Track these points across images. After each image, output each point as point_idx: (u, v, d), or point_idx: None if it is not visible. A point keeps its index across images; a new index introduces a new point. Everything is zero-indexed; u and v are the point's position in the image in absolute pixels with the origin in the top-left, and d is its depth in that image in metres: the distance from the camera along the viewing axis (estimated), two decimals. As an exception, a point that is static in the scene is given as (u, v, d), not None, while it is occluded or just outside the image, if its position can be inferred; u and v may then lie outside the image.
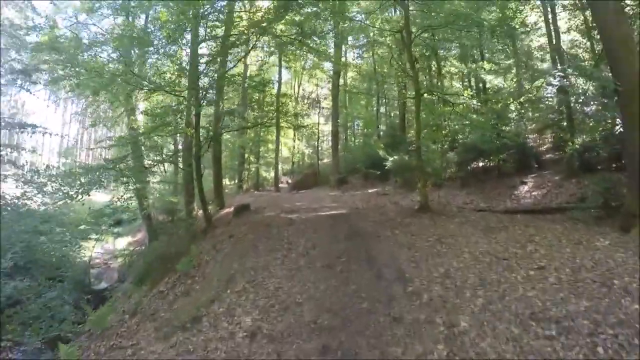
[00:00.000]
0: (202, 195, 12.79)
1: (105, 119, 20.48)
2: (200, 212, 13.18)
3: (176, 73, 12.86)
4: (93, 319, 7.69)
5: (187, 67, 12.73)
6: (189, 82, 12.23)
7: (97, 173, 11.82)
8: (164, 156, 14.81)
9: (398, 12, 18.18)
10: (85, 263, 15.73)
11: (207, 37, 12.81)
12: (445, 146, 15.81)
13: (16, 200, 11.25)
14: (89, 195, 10.74)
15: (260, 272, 6.79)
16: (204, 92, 12.24)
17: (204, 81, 12.31)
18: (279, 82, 24.57)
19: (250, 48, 13.45)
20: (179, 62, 13.22)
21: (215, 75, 12.39)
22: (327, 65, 27.08)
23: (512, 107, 14.07)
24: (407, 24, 11.48)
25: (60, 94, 22.05)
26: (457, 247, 7.01)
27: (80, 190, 10.47)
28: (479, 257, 6.39)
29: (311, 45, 15.64)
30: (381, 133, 24.90)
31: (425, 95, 12.93)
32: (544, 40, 16.90)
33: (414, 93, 12.18)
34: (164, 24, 12.14)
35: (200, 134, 12.54)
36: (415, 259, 6.52)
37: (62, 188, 10.62)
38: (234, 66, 14.54)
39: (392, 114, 27.26)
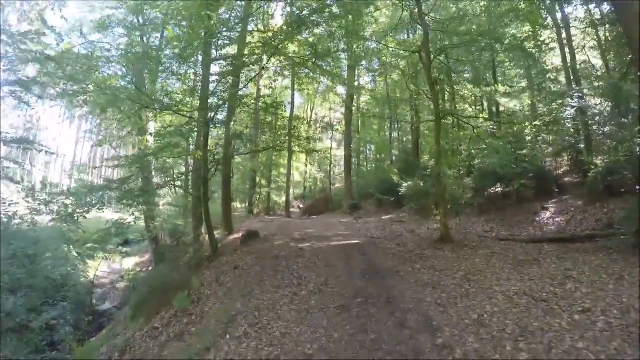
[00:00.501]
0: (208, 219, 12.15)
1: (112, 138, 20.24)
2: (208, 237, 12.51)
3: (186, 93, 12.51)
4: (79, 355, 6.97)
5: (197, 87, 12.39)
6: (200, 101, 11.80)
7: (100, 193, 11.43)
8: (173, 178, 14.36)
9: (412, 36, 18.01)
10: (89, 283, 15.46)
11: (217, 57, 12.41)
12: (462, 172, 15.28)
13: (6, 220, 10.75)
14: (85, 217, 10.30)
15: (266, 313, 6.01)
16: (214, 113, 11.75)
17: (213, 100, 11.84)
18: (292, 104, 24.27)
19: (262, 68, 13.04)
20: (188, 81, 12.90)
21: (226, 94, 11.93)
22: (341, 90, 26.87)
23: (528, 130, 13.81)
24: (427, 42, 10.95)
25: (75, 111, 22.05)
26: (488, 286, 6.22)
27: (79, 210, 10.11)
28: (514, 298, 5.60)
29: (324, 67, 15.21)
30: (394, 158, 24.54)
31: (443, 119, 12.38)
32: (557, 61, 16.61)
33: (431, 116, 11.66)
34: (170, 42, 11.84)
35: (209, 157, 12.01)
36: (442, 301, 5.71)
37: (64, 207, 10.29)
38: (245, 86, 14.09)
39: (405, 139, 26.89)
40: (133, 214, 11.83)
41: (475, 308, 5.37)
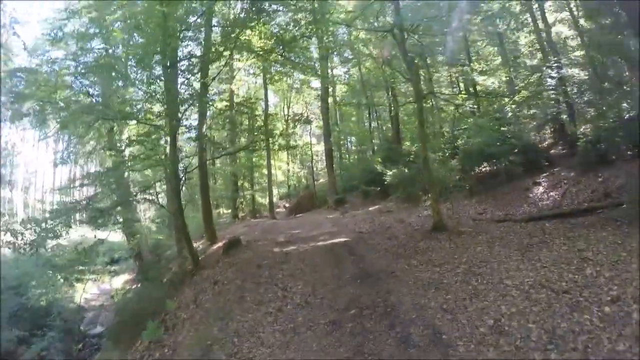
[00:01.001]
0: (185, 231, 11.32)
1: (78, 155, 19.13)
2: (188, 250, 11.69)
3: (148, 98, 11.64)
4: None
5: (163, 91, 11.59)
6: (167, 101, 10.89)
7: (64, 217, 10.52)
8: (144, 189, 13.53)
9: (381, 22, 17.46)
10: (77, 307, 14.95)
11: (183, 57, 11.55)
12: (447, 154, 14.79)
13: None
14: (46, 247, 9.47)
15: (247, 337, 5.20)
16: (181, 115, 10.91)
17: (180, 103, 10.95)
18: (265, 101, 23.49)
19: (226, 64, 12.21)
20: (150, 87, 12.04)
21: (192, 92, 11.11)
22: (316, 84, 26.16)
23: (508, 107, 13.36)
24: (399, 18, 10.27)
25: (48, 131, 21.03)
26: (497, 280, 5.48)
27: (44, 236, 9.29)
28: (531, 293, 4.86)
29: (294, 60, 14.42)
30: (376, 148, 24.04)
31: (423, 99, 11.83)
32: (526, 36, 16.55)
33: (410, 99, 11.09)
34: (126, 46, 10.98)
35: (179, 165, 11.13)
36: (449, 305, 4.94)
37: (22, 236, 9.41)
38: (210, 83, 13.27)
39: (385, 128, 26.40)
40: (95, 236, 11.01)
41: (489, 310, 4.63)
